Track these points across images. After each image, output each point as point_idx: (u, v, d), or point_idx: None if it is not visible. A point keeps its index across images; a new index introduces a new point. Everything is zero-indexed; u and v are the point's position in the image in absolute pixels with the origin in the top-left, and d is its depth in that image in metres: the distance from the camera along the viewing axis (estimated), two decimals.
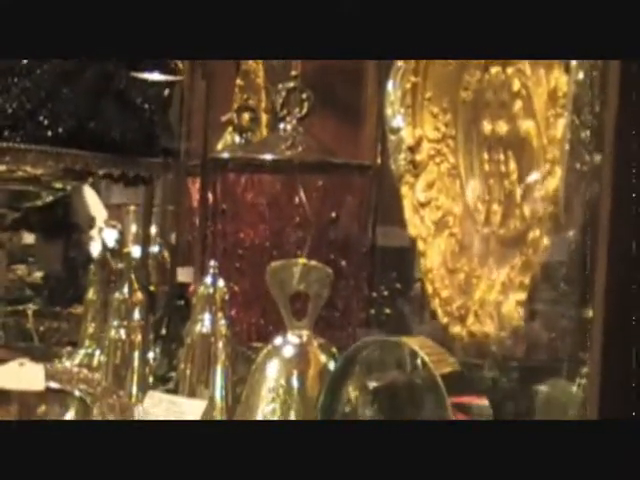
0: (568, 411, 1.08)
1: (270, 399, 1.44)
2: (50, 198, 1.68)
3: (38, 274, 2.55)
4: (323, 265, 1.46)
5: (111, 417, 1.45)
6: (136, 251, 2.56)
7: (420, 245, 1.37)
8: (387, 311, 1.82)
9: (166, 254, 2.33)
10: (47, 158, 1.56)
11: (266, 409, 1.44)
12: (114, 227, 2.76)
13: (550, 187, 1.04)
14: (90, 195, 2.86)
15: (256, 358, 1.50)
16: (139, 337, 1.67)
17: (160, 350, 1.96)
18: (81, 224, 2.68)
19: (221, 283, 1.58)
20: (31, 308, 2.32)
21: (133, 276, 1.69)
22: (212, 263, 1.59)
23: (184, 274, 2.18)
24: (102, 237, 2.65)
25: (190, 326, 1.59)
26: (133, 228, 2.88)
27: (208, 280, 1.58)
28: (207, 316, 1.57)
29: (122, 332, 1.66)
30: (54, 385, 1.50)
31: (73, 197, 2.62)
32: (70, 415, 1.48)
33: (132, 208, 2.85)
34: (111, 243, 2.71)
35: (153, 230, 2.47)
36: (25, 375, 1.50)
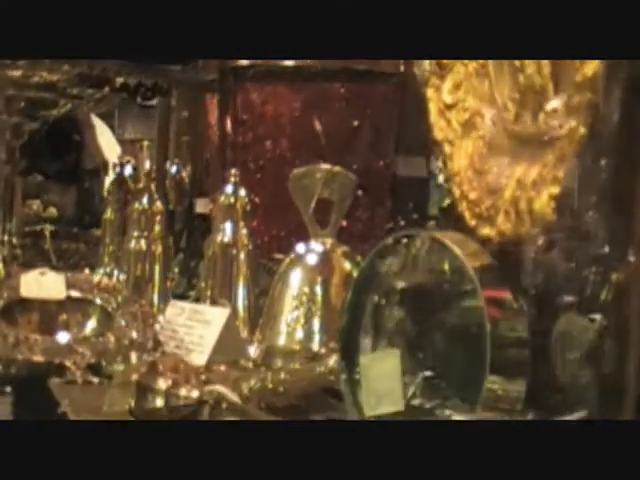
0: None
1: (294, 307, 1.43)
2: (68, 107, 1.65)
3: (52, 209, 2.54)
4: (347, 171, 1.44)
5: (133, 326, 1.44)
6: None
7: (446, 148, 1.34)
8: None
9: (184, 174, 2.31)
10: (63, 63, 1.52)
11: (289, 317, 1.43)
12: (128, 163, 2.75)
13: (588, 72, 1.00)
14: (104, 131, 2.84)
15: (278, 270, 1.48)
16: (159, 248, 1.65)
17: (178, 269, 1.95)
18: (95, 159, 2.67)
19: (242, 192, 1.56)
20: (48, 229, 2.31)
21: (153, 186, 1.67)
22: (233, 171, 1.56)
23: (202, 205, 2.16)
24: (116, 173, 2.64)
25: (211, 237, 1.57)
26: (147, 163, 2.88)
27: (229, 189, 1.56)
28: (228, 225, 1.55)
29: (142, 243, 1.65)
30: (75, 294, 1.49)
31: (87, 133, 2.60)
32: (91, 324, 1.47)
33: (146, 143, 2.83)
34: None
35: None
36: (46, 284, 1.48)
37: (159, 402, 1.09)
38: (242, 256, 1.55)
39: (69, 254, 2.39)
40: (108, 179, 2.70)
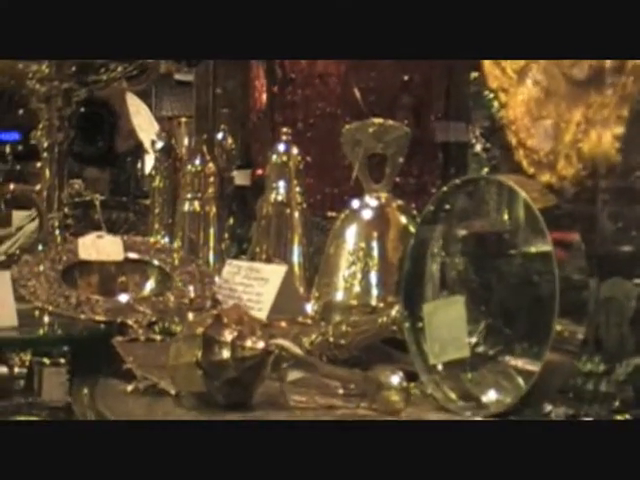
0: None
1: (350, 262, 1.43)
2: (119, 69, 1.65)
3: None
4: (400, 124, 1.43)
5: (191, 286, 1.45)
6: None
7: (501, 97, 1.33)
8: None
9: (230, 140, 2.31)
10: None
11: (346, 273, 1.43)
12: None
13: None
14: (142, 108, 2.85)
15: (333, 226, 1.48)
16: (213, 209, 1.66)
17: (228, 234, 1.96)
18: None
19: (295, 150, 1.55)
20: (98, 198, 2.32)
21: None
22: (284, 130, 1.56)
23: (241, 176, 2.17)
24: (154, 150, 2.65)
25: (264, 196, 1.57)
26: (185, 140, 2.88)
27: (281, 147, 1.56)
28: (282, 184, 1.56)
29: (196, 204, 1.65)
30: (133, 255, 1.50)
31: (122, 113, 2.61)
32: (150, 284, 1.48)
33: (183, 120, 2.83)
34: None
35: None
36: (104, 247, 1.50)
37: (225, 354, 1.09)
38: (296, 215, 1.55)
39: (119, 224, 2.41)
40: (148, 157, 2.72)
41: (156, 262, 1.48)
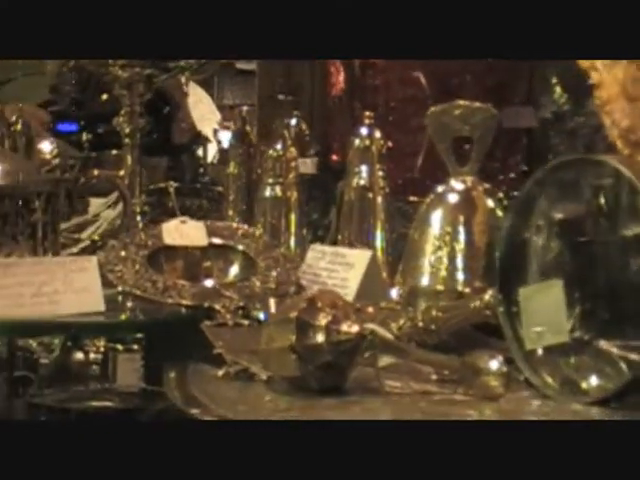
0: None
1: (436, 247, 1.41)
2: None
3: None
4: (487, 106, 1.41)
5: (276, 270, 1.45)
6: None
7: (594, 77, 1.30)
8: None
9: (304, 126, 2.30)
10: None
11: (432, 258, 1.41)
12: (228, 128, 2.75)
13: None
14: (203, 97, 2.86)
15: (418, 211, 1.46)
16: (295, 194, 1.65)
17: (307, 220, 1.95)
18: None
19: (377, 134, 1.54)
20: (173, 185, 2.33)
21: (286, 133, 1.66)
22: (367, 113, 1.54)
23: (305, 165, 2.16)
24: (217, 139, 2.65)
25: (346, 180, 1.56)
26: (247, 129, 2.88)
27: (364, 131, 1.54)
28: (364, 168, 1.54)
29: (277, 189, 1.64)
30: (217, 241, 1.49)
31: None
32: (234, 269, 1.48)
33: (245, 108, 2.83)
34: (226, 144, 2.71)
35: None
36: (188, 232, 1.50)
37: (320, 337, 1.09)
38: (379, 199, 1.53)
39: (192, 210, 2.42)
40: (211, 145, 2.73)
41: (240, 247, 1.47)
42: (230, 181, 2.07)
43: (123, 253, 1.43)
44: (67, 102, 2.02)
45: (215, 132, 2.67)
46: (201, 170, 2.97)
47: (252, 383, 1.18)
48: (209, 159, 2.90)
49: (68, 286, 1.38)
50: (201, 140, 2.87)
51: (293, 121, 2.34)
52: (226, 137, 2.79)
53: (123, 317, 1.40)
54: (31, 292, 1.36)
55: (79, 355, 2.21)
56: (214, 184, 2.48)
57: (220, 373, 1.20)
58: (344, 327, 1.09)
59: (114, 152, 2.43)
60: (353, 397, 1.10)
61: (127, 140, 1.67)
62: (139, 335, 2.02)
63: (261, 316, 1.36)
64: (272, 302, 1.41)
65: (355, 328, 1.09)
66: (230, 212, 2.05)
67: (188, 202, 2.49)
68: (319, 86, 2.08)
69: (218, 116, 2.90)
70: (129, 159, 1.66)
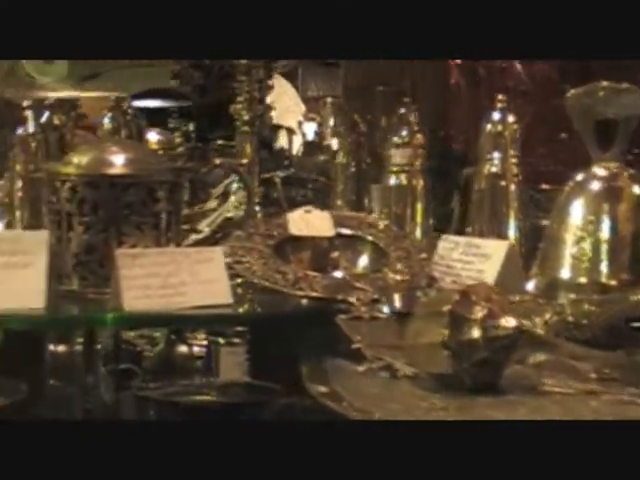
0: None
1: (578, 238, 1.33)
2: None
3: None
4: (634, 86, 1.33)
5: (407, 262, 1.39)
6: (336, 143, 2.49)
7: None
8: None
9: (412, 115, 2.24)
10: None
11: (574, 249, 1.33)
12: (313, 120, 2.71)
13: None
14: (288, 89, 2.82)
15: (545, 202, 1.39)
16: (421, 182, 1.58)
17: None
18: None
19: (511, 118, 1.47)
20: (279, 176, 2.29)
21: (412, 117, 1.60)
22: (500, 97, 1.47)
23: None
24: (302, 130, 2.61)
25: (476, 167, 1.50)
26: (331, 120, 2.84)
27: (496, 116, 1.47)
28: (496, 155, 1.47)
29: (402, 177, 1.58)
30: (345, 231, 1.44)
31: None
32: (363, 260, 1.42)
33: (329, 100, 2.79)
34: (310, 136, 2.66)
35: None
36: (313, 222, 1.44)
37: (476, 333, 1.02)
38: (512, 187, 1.46)
39: (297, 201, 2.37)
40: (296, 137, 2.68)
41: (370, 238, 1.42)
42: (339, 171, 2.03)
43: (249, 244, 1.38)
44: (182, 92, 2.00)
45: (300, 124, 2.63)
46: (286, 162, 2.94)
47: (395, 380, 1.12)
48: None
49: (195, 277, 1.34)
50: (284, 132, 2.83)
51: (402, 110, 2.29)
52: (311, 129, 2.74)
53: (259, 310, 1.35)
54: (158, 283, 1.32)
55: (183, 348, 2.19)
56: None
57: (361, 369, 1.14)
58: (502, 322, 1.02)
59: (219, 142, 2.41)
60: (511, 396, 1.03)
61: (245, 128, 1.62)
62: (242, 328, 1.99)
63: (385, 309, 1.30)
64: (397, 296, 1.36)
65: (512, 323, 1.03)
66: (339, 202, 2.00)
67: (293, 192, 2.45)
68: (432, 73, 2.02)
69: (302, 108, 2.86)
70: (248, 147, 1.62)
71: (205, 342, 2.14)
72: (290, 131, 2.88)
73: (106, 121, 1.69)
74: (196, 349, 2.20)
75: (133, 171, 1.38)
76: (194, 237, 1.48)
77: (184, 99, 2.04)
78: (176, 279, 1.32)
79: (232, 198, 1.59)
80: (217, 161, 1.48)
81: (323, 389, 1.11)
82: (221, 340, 2.08)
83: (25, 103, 1.58)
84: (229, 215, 1.70)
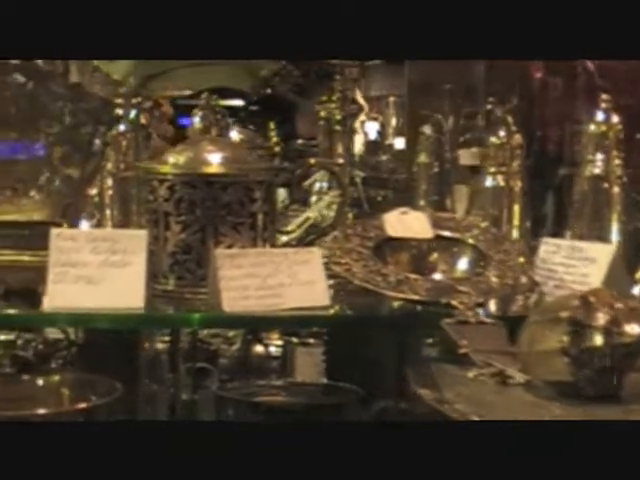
0: None
1: None
2: None
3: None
4: None
5: (509, 265, 1.35)
6: (399, 143, 2.46)
7: None
8: None
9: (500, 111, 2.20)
10: None
11: None
12: (375, 120, 2.68)
13: None
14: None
15: None
16: (519, 183, 1.55)
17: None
18: None
19: (615, 119, 1.43)
20: (359, 175, 2.27)
21: (510, 118, 1.57)
22: (604, 97, 1.43)
23: (466, 156, 2.06)
24: (364, 130, 2.58)
25: (578, 169, 1.46)
26: (393, 120, 2.80)
27: (600, 116, 1.43)
28: (599, 156, 1.43)
29: (499, 179, 1.55)
30: (445, 233, 1.41)
31: None
32: (463, 263, 1.39)
33: (392, 99, 2.76)
34: (373, 135, 2.63)
35: None
36: (410, 223, 1.42)
37: (598, 340, 0.99)
38: (615, 190, 1.42)
39: (377, 202, 2.35)
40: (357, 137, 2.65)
41: (470, 240, 1.39)
42: (421, 171, 1.99)
43: (347, 244, 1.36)
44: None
45: (362, 123, 2.60)
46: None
47: (506, 387, 1.09)
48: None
49: (293, 279, 1.32)
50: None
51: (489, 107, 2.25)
52: (373, 128, 2.71)
53: (366, 312, 1.33)
54: (256, 284, 1.30)
55: (259, 348, 2.17)
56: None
57: (470, 374, 1.11)
58: (626, 328, 0.99)
59: (299, 141, 2.39)
60: (634, 405, 1.00)
61: (337, 127, 1.60)
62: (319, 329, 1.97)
63: (486, 313, 1.28)
64: (493, 301, 1.33)
65: (637, 329, 0.99)
66: (421, 202, 1.97)
67: (372, 193, 2.42)
68: (521, 72, 1.98)
69: (365, 107, 2.84)
70: (339, 147, 1.60)
71: (281, 342, 2.13)
72: (353, 131, 2.86)
73: (196, 120, 1.67)
74: (272, 349, 2.19)
75: (230, 170, 1.37)
76: (284, 238, 1.46)
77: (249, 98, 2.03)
78: (274, 280, 1.31)
79: (325, 198, 1.57)
80: (312, 161, 1.46)
81: (432, 394, 1.08)
82: (295, 340, 2.07)
83: (117, 101, 1.58)
84: (310, 215, 1.69)
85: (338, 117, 1.59)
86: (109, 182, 1.64)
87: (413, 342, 1.30)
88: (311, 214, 1.58)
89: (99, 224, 1.62)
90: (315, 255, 1.33)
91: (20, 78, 1.43)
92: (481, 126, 2.04)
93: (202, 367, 2.02)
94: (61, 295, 1.27)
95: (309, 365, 2.04)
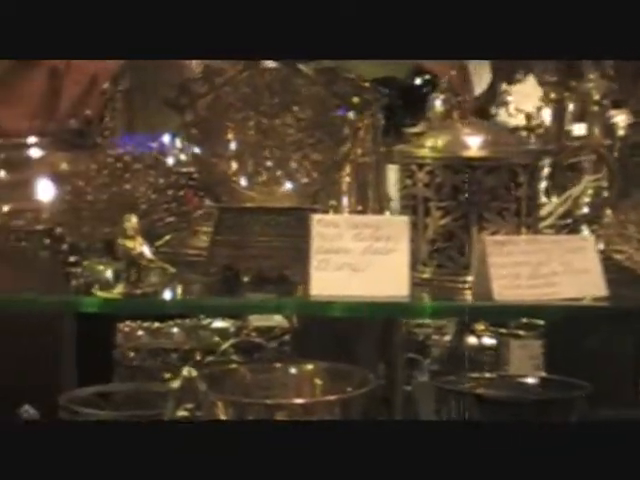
0: None
1: None
2: None
3: None
4: None
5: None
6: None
7: None
8: None
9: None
10: None
11: None
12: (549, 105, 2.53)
13: None
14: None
15: None
16: None
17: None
18: None
19: None
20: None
21: None
22: None
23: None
24: (540, 116, 2.45)
25: None
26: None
27: None
28: None
29: None
30: None
31: None
32: None
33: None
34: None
35: None
36: None
37: None
38: None
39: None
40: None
41: None
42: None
43: (623, 231, 1.27)
44: None
45: (538, 109, 2.49)
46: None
47: None
48: None
49: (567, 267, 1.24)
50: None
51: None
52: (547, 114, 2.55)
53: None
54: (528, 273, 1.23)
55: (472, 340, 2.10)
56: None
57: None
58: None
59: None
60: None
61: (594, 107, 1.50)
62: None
63: None
64: None
65: None
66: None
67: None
68: None
69: (540, 92, 2.72)
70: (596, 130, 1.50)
71: (494, 334, 2.05)
72: (529, 116, 2.74)
73: (437, 103, 1.62)
74: (486, 340, 2.11)
75: (493, 154, 1.30)
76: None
77: None
78: (547, 269, 1.24)
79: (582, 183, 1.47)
80: (576, 143, 1.37)
81: None
82: (506, 331, 1.99)
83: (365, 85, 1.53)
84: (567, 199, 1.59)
85: (596, 97, 1.50)
86: (347, 169, 1.61)
87: None
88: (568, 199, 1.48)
89: (336, 211, 1.59)
90: (590, 242, 1.25)
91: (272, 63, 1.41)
92: None
93: (412, 358, 1.98)
94: (325, 283, 1.24)
95: (524, 359, 1.97)
